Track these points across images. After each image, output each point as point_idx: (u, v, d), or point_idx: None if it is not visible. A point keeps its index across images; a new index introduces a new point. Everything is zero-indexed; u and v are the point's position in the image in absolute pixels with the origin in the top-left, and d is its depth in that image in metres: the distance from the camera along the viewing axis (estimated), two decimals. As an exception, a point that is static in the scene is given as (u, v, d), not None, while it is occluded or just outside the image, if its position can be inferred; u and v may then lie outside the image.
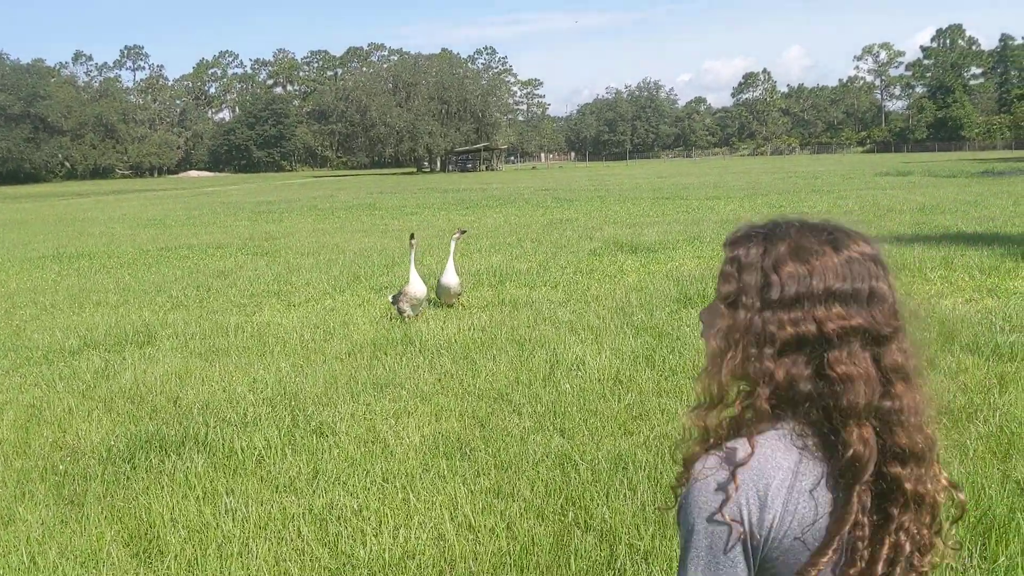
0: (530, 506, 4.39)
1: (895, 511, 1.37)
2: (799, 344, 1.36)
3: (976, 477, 4.43)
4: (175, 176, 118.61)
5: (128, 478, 5.04)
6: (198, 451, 5.41)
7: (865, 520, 1.35)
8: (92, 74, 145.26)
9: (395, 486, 4.72)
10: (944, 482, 1.44)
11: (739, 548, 1.34)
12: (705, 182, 41.73)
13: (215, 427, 5.84)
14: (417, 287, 9.23)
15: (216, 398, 6.63)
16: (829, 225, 1.44)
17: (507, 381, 6.66)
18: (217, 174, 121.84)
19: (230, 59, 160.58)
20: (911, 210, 20.53)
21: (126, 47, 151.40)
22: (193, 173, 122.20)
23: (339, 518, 4.35)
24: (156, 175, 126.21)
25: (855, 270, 1.38)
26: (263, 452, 5.35)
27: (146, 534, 4.28)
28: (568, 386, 6.42)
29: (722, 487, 1.34)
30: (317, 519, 4.36)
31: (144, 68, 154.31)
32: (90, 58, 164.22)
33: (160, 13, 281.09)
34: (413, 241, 9.89)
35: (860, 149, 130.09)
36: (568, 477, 4.72)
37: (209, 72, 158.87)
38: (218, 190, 59.02)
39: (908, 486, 1.36)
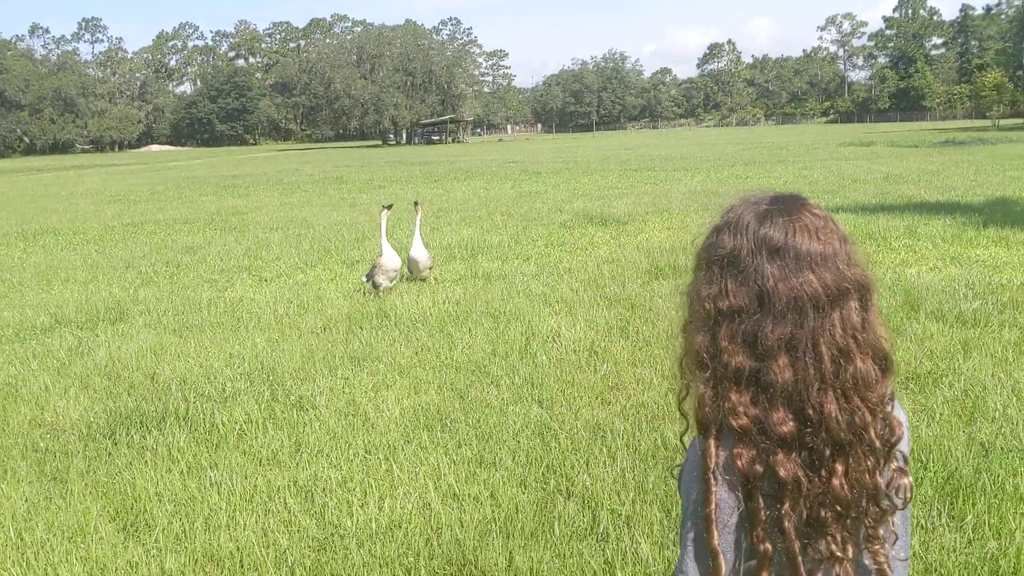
0: (512, 475, 4.47)
1: None
2: None
3: (943, 440, 4.57)
4: (136, 151, 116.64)
5: (110, 454, 5.06)
6: (179, 426, 5.43)
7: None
8: (49, 47, 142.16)
9: (378, 458, 4.79)
10: None
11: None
12: (671, 154, 41.88)
13: (194, 402, 5.86)
14: (391, 258, 9.23)
15: (193, 374, 6.63)
16: None
17: (484, 353, 6.73)
18: (179, 148, 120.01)
19: (190, 31, 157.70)
20: (875, 180, 20.80)
21: (84, 20, 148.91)
22: (155, 147, 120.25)
23: (324, 490, 4.41)
24: (117, 150, 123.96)
25: None
26: (244, 426, 5.39)
27: (132, 508, 4.31)
28: (544, 358, 6.50)
29: None
30: (302, 491, 4.42)
31: (103, 41, 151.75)
32: (47, 31, 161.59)
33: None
34: (386, 212, 9.74)
35: (824, 119, 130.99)
36: (548, 446, 4.81)
37: (169, 44, 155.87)
38: (181, 164, 58.21)
39: None
